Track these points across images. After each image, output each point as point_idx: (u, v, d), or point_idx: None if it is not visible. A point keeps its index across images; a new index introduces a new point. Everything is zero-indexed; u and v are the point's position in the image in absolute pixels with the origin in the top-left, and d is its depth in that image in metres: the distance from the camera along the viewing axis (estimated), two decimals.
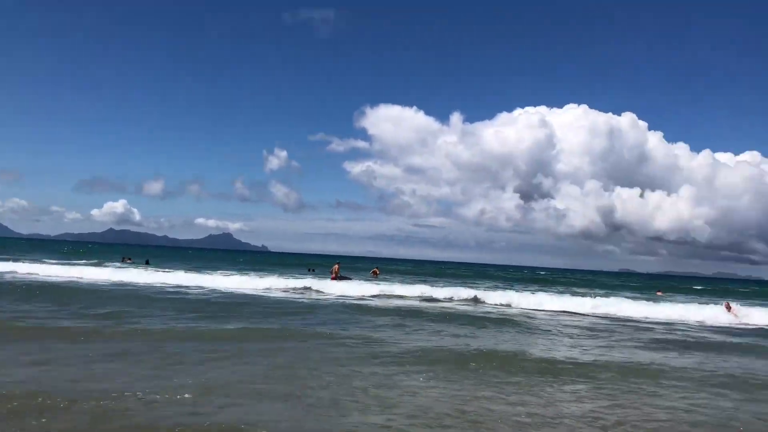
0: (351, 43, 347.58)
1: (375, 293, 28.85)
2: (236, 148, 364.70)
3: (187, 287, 28.48)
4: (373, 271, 52.22)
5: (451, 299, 28.52)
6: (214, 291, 27.00)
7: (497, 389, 9.81)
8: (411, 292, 29.62)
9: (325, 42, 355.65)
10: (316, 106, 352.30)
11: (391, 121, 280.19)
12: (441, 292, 30.18)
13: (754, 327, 24.55)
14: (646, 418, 8.49)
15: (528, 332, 18.24)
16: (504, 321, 20.56)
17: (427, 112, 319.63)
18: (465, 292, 30.44)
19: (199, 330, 14.70)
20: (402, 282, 40.58)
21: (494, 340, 15.74)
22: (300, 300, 24.78)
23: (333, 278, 37.23)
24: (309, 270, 56.52)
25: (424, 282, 44.61)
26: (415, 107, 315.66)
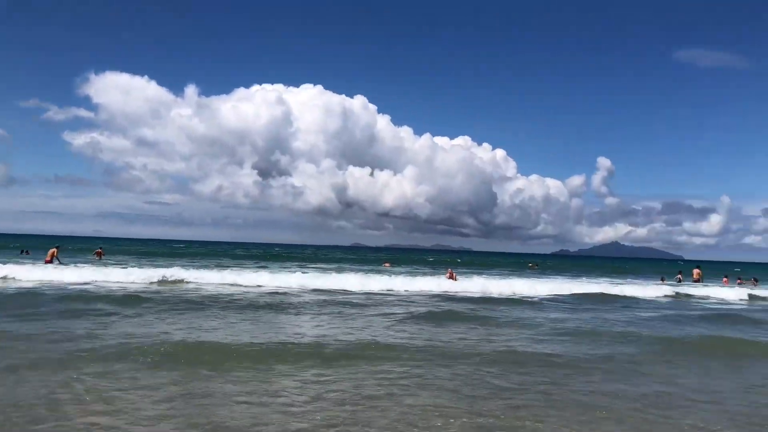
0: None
1: (98, 279, 25.91)
2: None
3: None
4: (96, 252, 47.52)
5: (182, 281, 26.75)
6: None
7: (221, 378, 8.98)
8: (138, 276, 27.06)
9: None
10: (28, 69, 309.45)
11: (119, 90, 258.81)
12: (171, 272, 28.05)
13: (472, 294, 26.93)
14: (357, 391, 8.57)
15: (262, 313, 17.55)
16: (235, 303, 19.65)
17: (160, 83, 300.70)
18: (198, 273, 28.84)
19: None
20: (128, 264, 37.40)
21: (225, 325, 14.74)
22: (4, 290, 21.15)
23: (47, 261, 33.05)
24: (23, 252, 49.55)
25: (154, 263, 41.77)
26: (146, 76, 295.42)
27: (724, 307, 26.30)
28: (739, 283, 44.25)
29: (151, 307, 17.05)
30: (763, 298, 32.26)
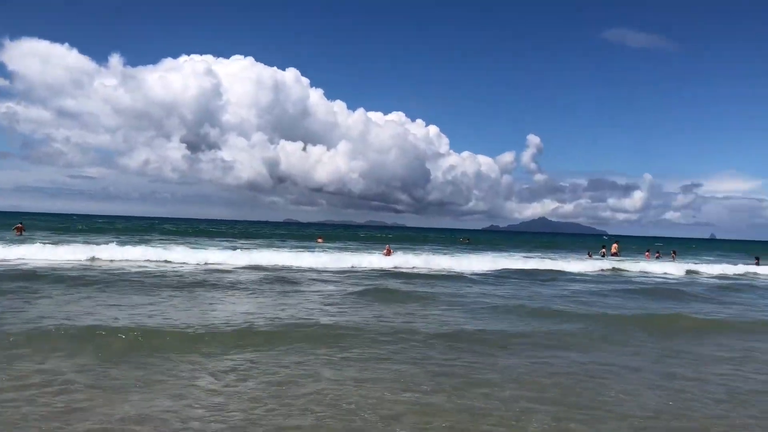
0: None
1: (17, 256, 24.61)
2: None
3: None
4: (16, 228, 45.32)
5: (108, 258, 25.69)
6: None
7: (138, 359, 8.66)
8: (61, 253, 25.81)
9: None
10: None
11: (38, 58, 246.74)
12: (97, 249, 26.87)
13: (408, 270, 27.11)
14: (282, 368, 8.44)
15: (189, 291, 17.05)
16: (163, 280, 19.06)
17: (82, 51, 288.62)
18: (125, 250, 27.81)
19: None
20: (51, 240, 35.73)
21: (151, 304, 14.21)
22: None
23: None
24: None
25: (79, 239, 40.21)
26: (67, 44, 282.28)
27: (650, 280, 27.40)
28: (657, 257, 46.44)
29: (74, 286, 16.34)
30: (694, 272, 33.79)
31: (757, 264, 42.49)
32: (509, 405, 7.19)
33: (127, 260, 25.37)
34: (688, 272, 33.68)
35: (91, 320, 11.23)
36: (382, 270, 26.27)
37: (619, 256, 44.47)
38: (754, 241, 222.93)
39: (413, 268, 28.23)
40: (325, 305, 14.77)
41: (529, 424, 6.59)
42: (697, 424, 6.86)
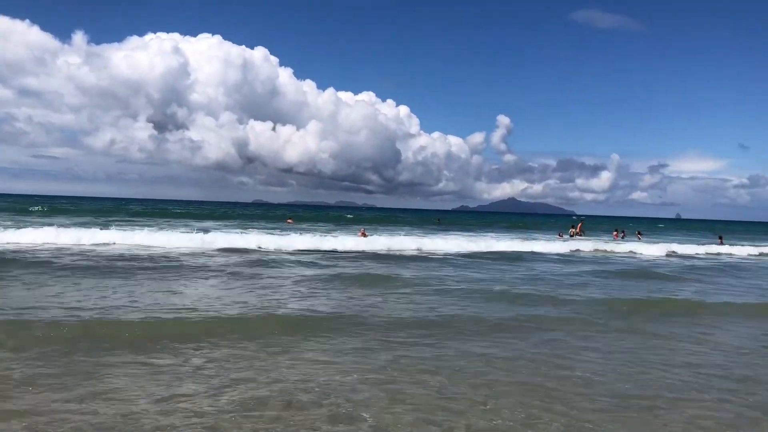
0: None
1: None
2: None
3: None
4: None
5: (75, 242, 25.02)
6: None
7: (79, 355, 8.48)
8: (22, 235, 25.04)
9: None
10: None
11: None
12: (61, 231, 26.15)
13: (381, 251, 27.03)
14: (239, 355, 8.25)
15: (152, 277, 16.68)
16: (129, 265, 18.67)
17: (44, 28, 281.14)
18: (91, 232, 27.12)
19: None
20: (13, 222, 34.86)
21: (107, 291, 13.93)
22: None
23: None
24: None
25: (43, 221, 39.24)
26: (28, 20, 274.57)
27: (621, 260, 27.83)
28: (622, 237, 47.70)
29: (30, 267, 15.91)
30: (664, 252, 34.28)
31: (721, 243, 43.45)
32: (478, 387, 7.19)
33: (92, 243, 24.75)
34: (658, 252, 34.20)
35: (52, 306, 10.95)
36: (355, 252, 26.13)
37: (582, 235, 45.92)
38: (717, 220, 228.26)
39: (386, 249, 28.13)
40: (296, 288, 14.61)
41: (498, 406, 6.59)
42: (663, 402, 6.94)
